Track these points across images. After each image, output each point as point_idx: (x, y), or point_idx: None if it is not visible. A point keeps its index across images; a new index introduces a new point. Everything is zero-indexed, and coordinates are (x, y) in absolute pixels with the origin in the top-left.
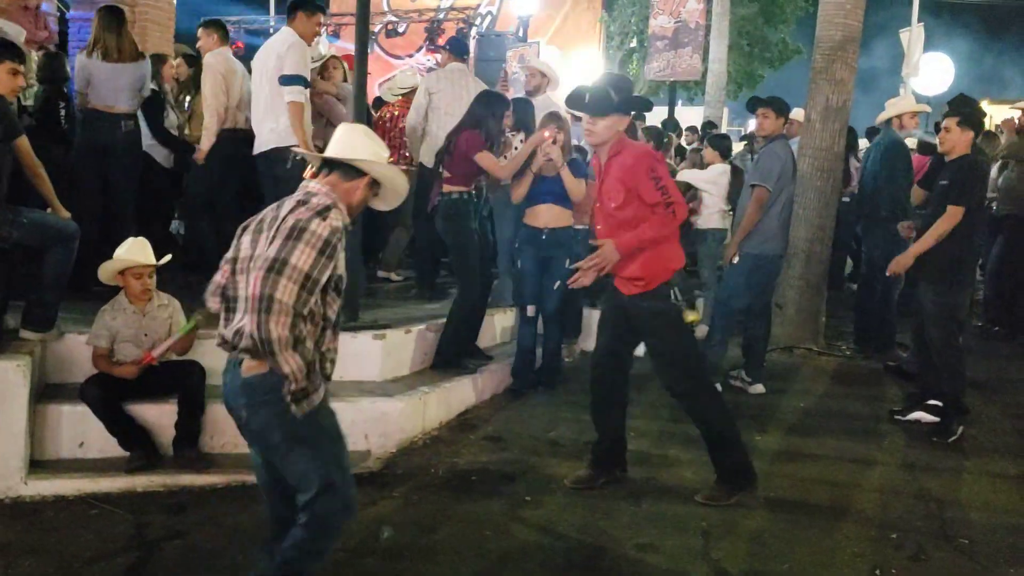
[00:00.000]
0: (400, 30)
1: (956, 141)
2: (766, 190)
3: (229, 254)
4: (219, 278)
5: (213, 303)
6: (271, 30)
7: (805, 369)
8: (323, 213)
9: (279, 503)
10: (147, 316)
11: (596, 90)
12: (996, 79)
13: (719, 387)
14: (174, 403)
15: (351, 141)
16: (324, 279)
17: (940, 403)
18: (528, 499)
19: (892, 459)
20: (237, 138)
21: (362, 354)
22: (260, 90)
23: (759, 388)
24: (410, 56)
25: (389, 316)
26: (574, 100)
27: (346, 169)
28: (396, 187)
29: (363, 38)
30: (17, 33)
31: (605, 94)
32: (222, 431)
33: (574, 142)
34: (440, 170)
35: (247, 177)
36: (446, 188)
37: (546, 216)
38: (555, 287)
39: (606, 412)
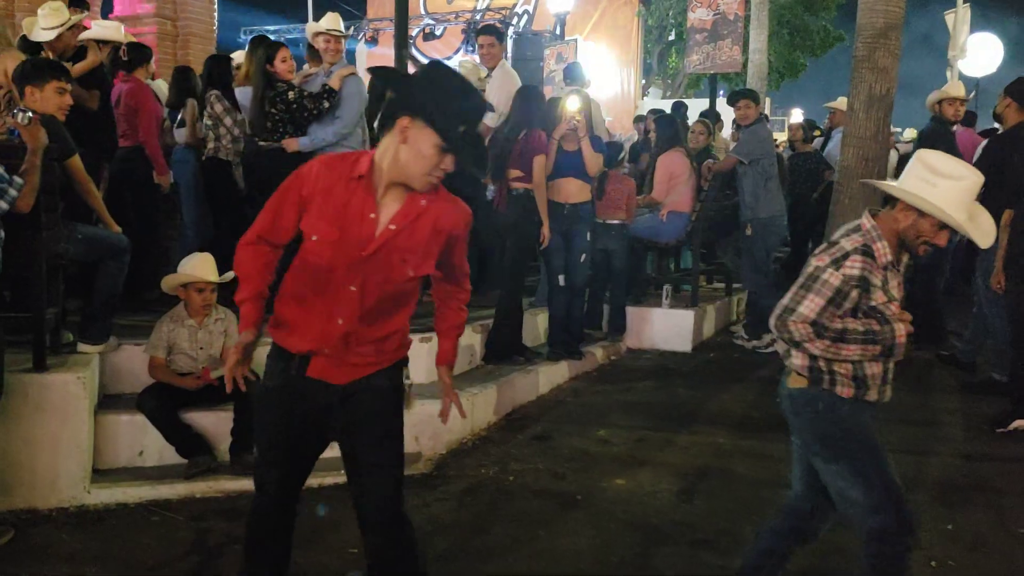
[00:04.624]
0: (437, 32)
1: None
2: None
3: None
4: None
5: None
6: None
7: None
8: (840, 261)
9: (807, 491)
10: (203, 329)
11: None
12: None
13: None
14: (230, 410)
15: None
16: (832, 318)
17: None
18: (579, 498)
19: (949, 449)
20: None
21: (409, 357)
22: None
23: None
24: (447, 59)
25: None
26: None
27: (892, 198)
28: (953, 223)
29: (402, 43)
30: (116, 28)
31: None
32: None
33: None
34: (508, 169)
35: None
36: (519, 185)
37: (567, 190)
38: (581, 260)
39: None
